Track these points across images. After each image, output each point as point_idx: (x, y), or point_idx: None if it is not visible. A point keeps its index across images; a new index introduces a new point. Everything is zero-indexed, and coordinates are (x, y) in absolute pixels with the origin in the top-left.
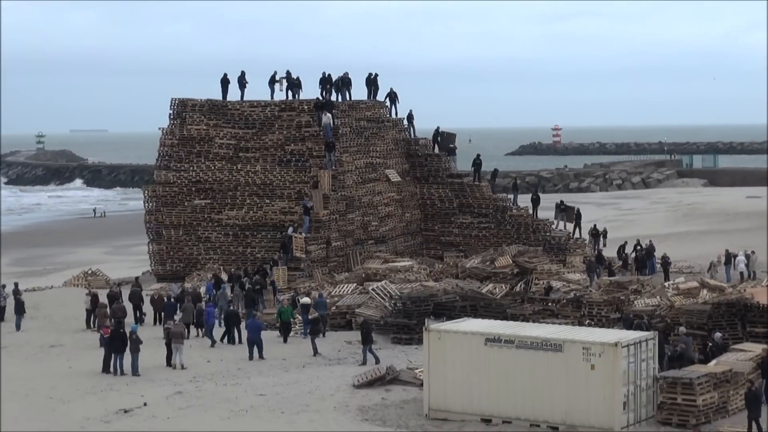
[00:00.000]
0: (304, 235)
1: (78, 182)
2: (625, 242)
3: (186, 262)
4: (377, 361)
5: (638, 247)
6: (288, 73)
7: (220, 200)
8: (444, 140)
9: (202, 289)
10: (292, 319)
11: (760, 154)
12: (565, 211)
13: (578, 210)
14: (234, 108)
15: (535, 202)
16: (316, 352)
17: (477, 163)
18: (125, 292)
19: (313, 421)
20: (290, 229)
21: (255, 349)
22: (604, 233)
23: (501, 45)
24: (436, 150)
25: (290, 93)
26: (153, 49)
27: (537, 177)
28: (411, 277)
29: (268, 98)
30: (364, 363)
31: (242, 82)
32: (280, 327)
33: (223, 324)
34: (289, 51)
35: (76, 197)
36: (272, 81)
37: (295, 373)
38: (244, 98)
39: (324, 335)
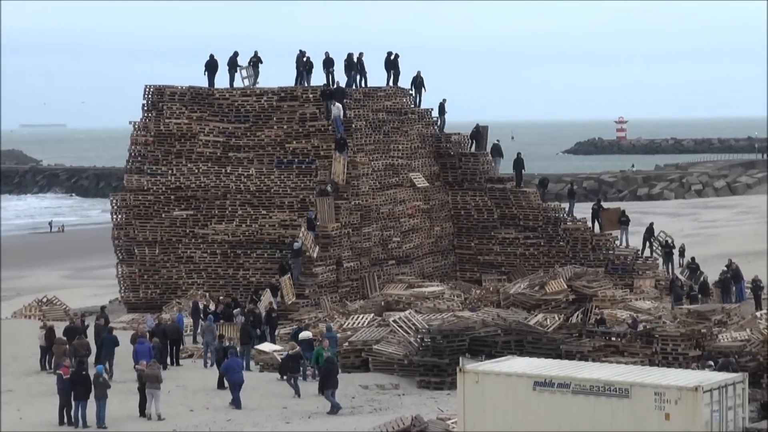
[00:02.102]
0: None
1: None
2: (692, 258)
3: (163, 288)
4: (335, 410)
5: (724, 268)
6: (301, 52)
7: (205, 211)
8: (481, 137)
9: (186, 321)
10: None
11: None
12: (626, 224)
13: (651, 224)
14: (222, 97)
15: (596, 213)
16: (297, 392)
17: (518, 163)
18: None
19: None
20: (296, 243)
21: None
22: (682, 251)
23: (553, 19)
24: (474, 150)
25: (301, 78)
26: (123, 25)
27: (597, 181)
28: (442, 306)
29: (268, 84)
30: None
31: (234, 65)
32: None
33: (212, 364)
34: (290, 28)
35: (29, 207)
36: (233, 65)
37: (298, 425)
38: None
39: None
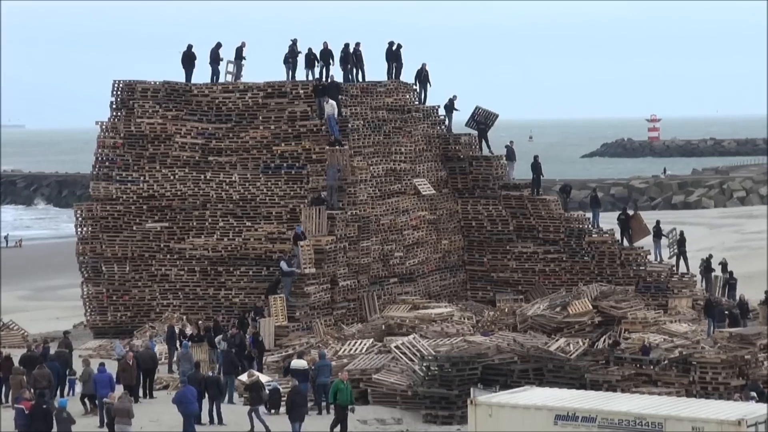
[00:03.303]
0: (296, 271)
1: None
2: (730, 273)
3: (135, 310)
4: None
5: None
6: (294, 42)
7: (182, 223)
8: (483, 119)
9: (158, 348)
10: (350, 405)
11: None
12: (660, 236)
13: (682, 234)
14: (201, 93)
15: (624, 223)
16: (257, 428)
17: (535, 168)
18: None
19: None
20: (283, 263)
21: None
22: (724, 265)
23: (577, 4)
24: (485, 149)
25: (293, 70)
26: (88, 11)
27: (626, 188)
28: (450, 330)
29: (253, 79)
30: None
31: (217, 57)
32: (332, 408)
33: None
34: (285, 13)
35: None
36: (215, 58)
37: None
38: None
39: (328, 411)
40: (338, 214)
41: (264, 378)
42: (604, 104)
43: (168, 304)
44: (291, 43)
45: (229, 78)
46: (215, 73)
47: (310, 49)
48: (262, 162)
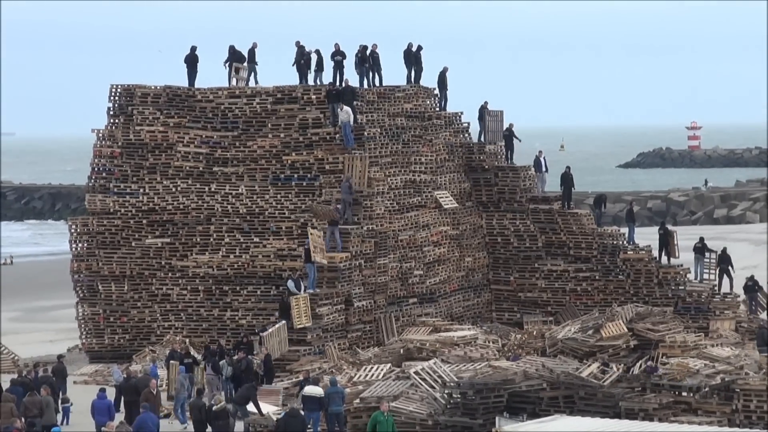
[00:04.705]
0: (308, 291)
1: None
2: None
3: (134, 333)
4: None
5: None
6: (301, 45)
7: (184, 239)
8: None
9: (160, 373)
10: None
11: None
12: (703, 253)
13: (724, 250)
14: (205, 99)
15: (663, 238)
16: None
17: (566, 179)
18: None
19: None
20: (290, 283)
21: None
22: None
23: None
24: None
25: (314, 75)
26: (83, 11)
27: (665, 201)
28: (474, 354)
29: (262, 84)
30: None
31: (237, 59)
32: None
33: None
34: (298, 15)
35: None
36: (233, 63)
37: None
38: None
39: None
40: (353, 229)
41: (272, 407)
42: (640, 111)
43: (169, 326)
44: (298, 47)
45: (237, 83)
46: (230, 76)
47: (318, 51)
48: (271, 173)
